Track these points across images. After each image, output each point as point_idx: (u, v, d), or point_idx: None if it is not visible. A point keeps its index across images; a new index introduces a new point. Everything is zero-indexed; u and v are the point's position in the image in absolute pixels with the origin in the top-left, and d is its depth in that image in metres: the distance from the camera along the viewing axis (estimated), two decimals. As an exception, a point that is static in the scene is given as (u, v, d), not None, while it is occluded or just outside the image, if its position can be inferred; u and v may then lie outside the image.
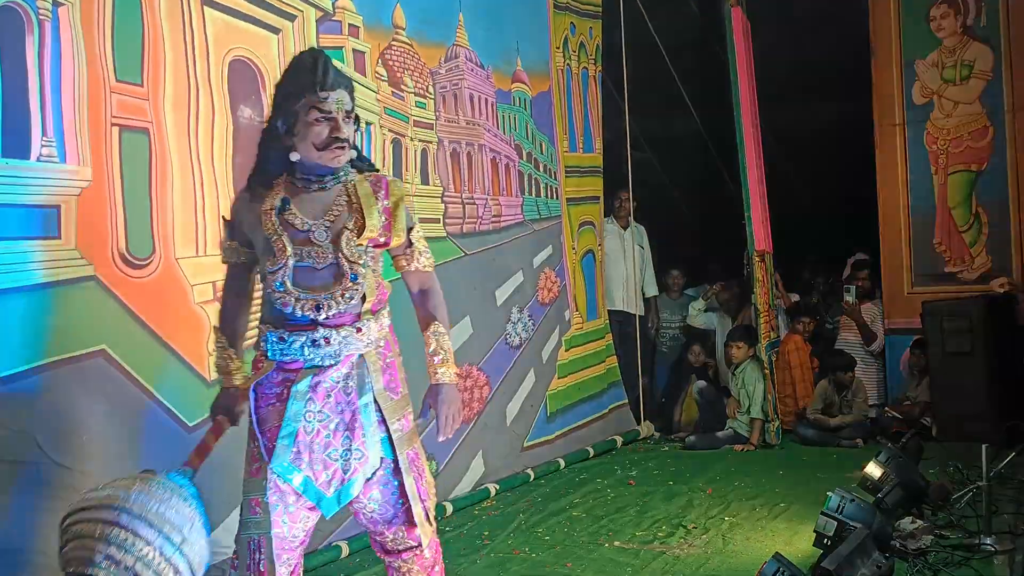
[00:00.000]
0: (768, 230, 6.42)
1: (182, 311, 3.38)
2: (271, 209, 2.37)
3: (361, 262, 2.37)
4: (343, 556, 3.87)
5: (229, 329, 2.53)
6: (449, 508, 4.58)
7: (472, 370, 4.98)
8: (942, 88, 6.27)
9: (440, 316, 2.54)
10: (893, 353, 6.35)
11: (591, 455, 5.86)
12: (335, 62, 2.42)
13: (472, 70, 5.27)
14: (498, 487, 4.97)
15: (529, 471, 5.28)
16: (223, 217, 2.55)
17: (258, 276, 2.52)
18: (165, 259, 3.33)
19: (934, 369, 5.77)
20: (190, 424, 3.35)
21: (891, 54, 6.41)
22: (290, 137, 2.36)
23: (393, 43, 4.67)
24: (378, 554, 2.57)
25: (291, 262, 2.33)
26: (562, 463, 5.57)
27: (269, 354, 2.36)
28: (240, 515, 2.41)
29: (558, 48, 6.11)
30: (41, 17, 2.95)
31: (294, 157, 2.37)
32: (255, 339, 2.48)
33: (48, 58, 2.96)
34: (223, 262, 2.56)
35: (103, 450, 3.06)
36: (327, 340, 2.34)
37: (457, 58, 5.16)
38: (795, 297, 7.10)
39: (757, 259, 6.24)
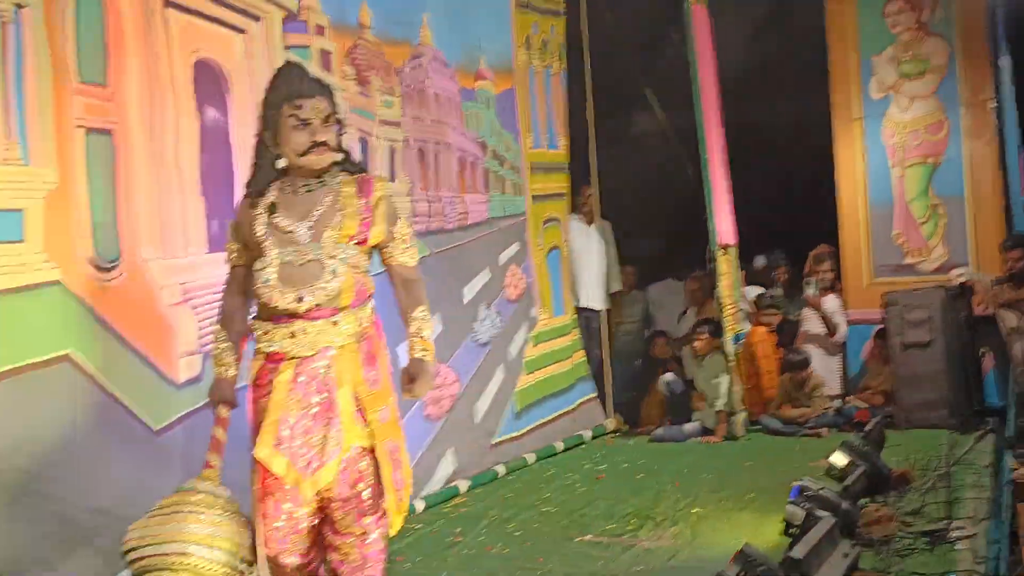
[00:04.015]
0: (733, 223, 6.50)
1: (150, 314, 3.35)
2: (262, 213, 2.55)
3: (340, 257, 2.50)
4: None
5: (229, 325, 2.68)
6: (420, 506, 4.58)
7: (441, 368, 4.99)
8: (899, 83, 6.41)
9: (424, 303, 2.65)
10: (854, 343, 6.47)
11: (560, 450, 5.89)
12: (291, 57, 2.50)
13: (437, 69, 5.26)
14: (469, 484, 4.99)
15: (499, 467, 5.30)
16: (230, 222, 2.72)
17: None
18: (132, 262, 3.30)
19: (895, 358, 5.94)
20: (155, 428, 3.33)
21: (848, 49, 6.53)
22: (276, 145, 2.54)
23: (359, 42, 4.66)
24: (323, 531, 2.60)
25: (276, 260, 2.50)
26: (532, 459, 5.60)
27: (258, 344, 2.54)
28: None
29: (521, 46, 6.13)
30: (3, 19, 2.91)
31: (280, 164, 2.56)
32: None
33: (11, 60, 2.92)
34: (226, 262, 2.71)
35: (70, 456, 3.02)
36: (304, 331, 2.49)
37: (422, 56, 5.15)
38: (757, 290, 7.20)
39: (721, 252, 6.32)
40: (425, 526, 4.36)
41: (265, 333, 2.53)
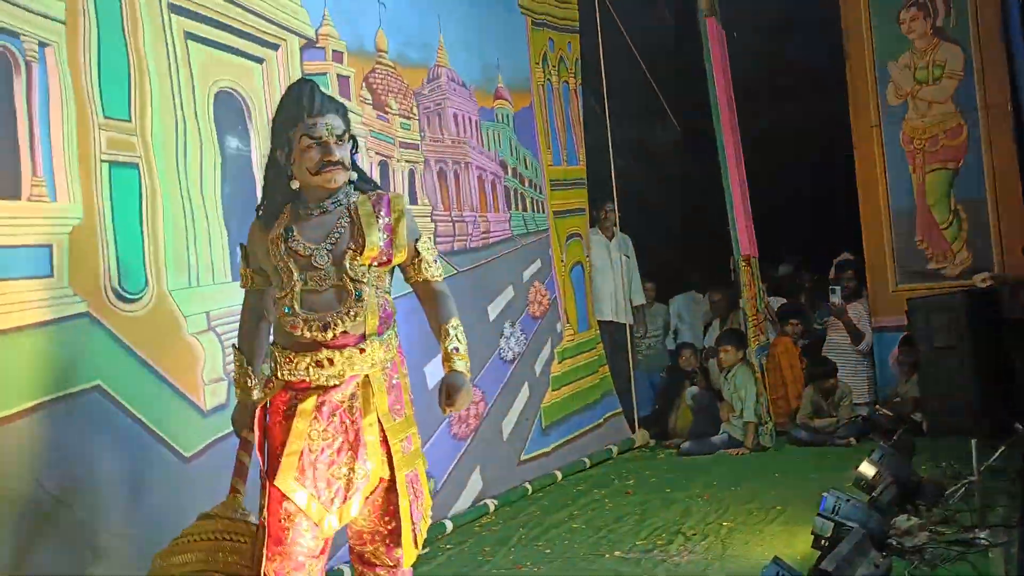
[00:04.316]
0: (752, 234, 6.49)
1: (176, 343, 3.39)
2: (278, 238, 2.46)
3: (364, 281, 2.42)
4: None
5: (248, 349, 2.65)
6: (449, 525, 4.59)
7: (466, 387, 5.01)
8: (916, 89, 6.38)
9: (456, 316, 2.55)
10: (881, 351, 6.42)
11: (588, 466, 5.89)
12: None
13: (455, 90, 5.32)
14: (497, 502, 5.00)
15: (527, 485, 5.31)
16: (240, 245, 2.66)
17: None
18: (158, 292, 3.35)
19: (922, 365, 5.85)
20: (187, 455, 3.37)
21: (864, 57, 6.52)
22: (289, 165, 2.46)
23: (376, 66, 4.72)
24: (353, 563, 2.60)
25: (297, 287, 2.41)
26: (559, 475, 5.60)
27: (278, 373, 2.45)
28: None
29: (538, 64, 6.18)
30: (28, 58, 2.98)
31: (294, 185, 2.46)
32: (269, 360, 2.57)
33: (36, 98, 2.98)
34: (241, 287, 2.68)
35: (102, 485, 3.07)
36: (330, 361, 2.40)
37: (439, 78, 5.21)
38: (780, 301, 7.18)
39: (743, 263, 6.31)
40: (455, 546, 4.37)
41: (288, 361, 2.43)
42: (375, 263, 2.44)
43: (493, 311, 5.39)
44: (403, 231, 2.49)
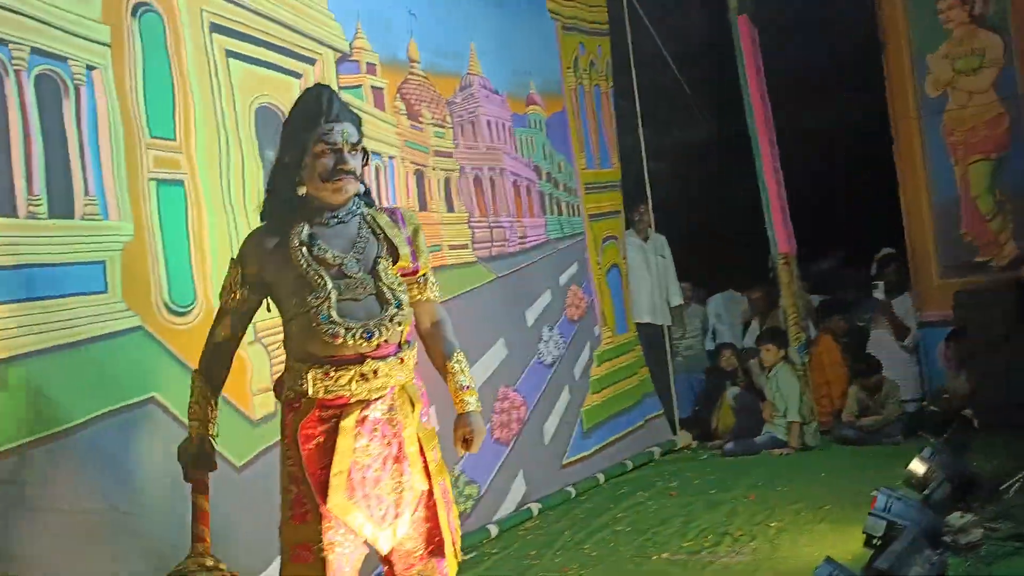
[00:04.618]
0: (791, 232, 6.44)
1: (226, 354, 3.45)
2: (299, 245, 2.33)
3: (401, 289, 2.38)
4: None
5: (215, 376, 2.49)
6: (494, 530, 4.61)
7: (508, 391, 5.03)
8: (955, 79, 6.29)
9: (458, 346, 2.49)
10: (927, 346, 6.34)
11: (630, 468, 5.87)
12: (344, 96, 2.48)
13: (487, 97, 5.35)
14: (540, 506, 5.00)
15: (570, 488, 5.31)
16: (232, 260, 2.46)
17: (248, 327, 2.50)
18: (207, 305, 3.41)
19: (972, 359, 5.77)
20: (238, 464, 3.42)
21: (901, 48, 6.44)
22: (298, 170, 2.34)
23: (409, 77, 4.77)
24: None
25: (333, 295, 2.28)
26: (602, 478, 5.59)
27: (311, 391, 2.30)
28: (282, 567, 2.38)
29: (569, 68, 6.19)
30: (76, 81, 3.06)
31: (301, 191, 2.34)
32: (280, 377, 2.45)
33: (85, 119, 3.06)
34: (224, 305, 2.46)
35: (159, 495, 3.13)
36: (375, 372, 2.31)
37: (472, 87, 5.25)
38: (821, 298, 7.11)
39: (781, 262, 6.26)
40: (500, 550, 4.38)
41: (326, 376, 2.29)
42: (401, 273, 2.40)
43: (531, 316, 5.41)
44: (422, 244, 2.48)
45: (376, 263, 2.36)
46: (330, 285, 2.29)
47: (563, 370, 5.59)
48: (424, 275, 2.50)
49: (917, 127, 6.39)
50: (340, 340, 2.27)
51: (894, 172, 6.48)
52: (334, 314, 2.27)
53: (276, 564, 3.37)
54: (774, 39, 6.63)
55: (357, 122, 2.39)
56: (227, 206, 3.57)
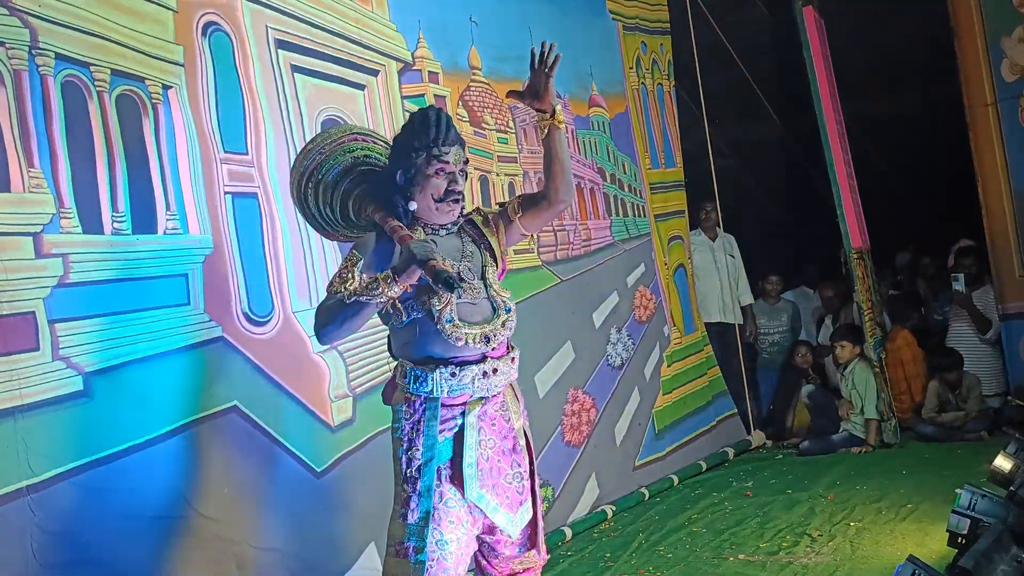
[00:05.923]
0: (863, 226, 6.30)
1: (303, 362, 3.54)
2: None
3: (507, 296, 2.55)
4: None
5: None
6: (568, 532, 4.62)
7: (578, 394, 5.04)
8: (1032, 62, 6.08)
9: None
10: (1010, 339, 6.13)
11: (704, 469, 5.82)
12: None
13: (549, 100, 5.36)
14: (614, 508, 4.99)
15: (643, 490, 5.29)
16: (352, 250, 2.49)
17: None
18: (284, 314, 3.51)
19: (1057, 352, 5.58)
20: (318, 469, 3.51)
21: (974, 33, 6.25)
22: (409, 188, 2.49)
23: (471, 84, 4.81)
24: (489, 566, 2.62)
25: (454, 298, 2.43)
26: (675, 479, 5.55)
27: (435, 392, 2.43)
28: (386, 559, 2.47)
29: (631, 68, 6.17)
30: (154, 100, 3.18)
31: (413, 206, 2.49)
32: (390, 381, 2.58)
33: (164, 137, 3.18)
34: (331, 294, 2.42)
35: (243, 501, 3.23)
36: (495, 371, 2.48)
37: (534, 91, 5.26)
38: (895, 292, 6.93)
39: (855, 256, 6.13)
40: (575, 553, 4.39)
41: (452, 376, 2.43)
42: (501, 278, 2.59)
43: (598, 318, 5.40)
44: (503, 232, 2.63)
45: (484, 271, 2.54)
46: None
47: (633, 371, 5.57)
48: (504, 208, 2.63)
49: (994, 113, 6.18)
50: (463, 341, 2.43)
51: (970, 161, 6.28)
52: (456, 317, 2.42)
53: (356, 566, 3.47)
54: (840, 30, 6.50)
55: (464, 145, 2.56)
56: (299, 217, 3.65)
